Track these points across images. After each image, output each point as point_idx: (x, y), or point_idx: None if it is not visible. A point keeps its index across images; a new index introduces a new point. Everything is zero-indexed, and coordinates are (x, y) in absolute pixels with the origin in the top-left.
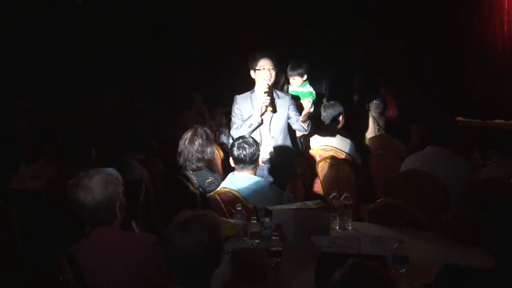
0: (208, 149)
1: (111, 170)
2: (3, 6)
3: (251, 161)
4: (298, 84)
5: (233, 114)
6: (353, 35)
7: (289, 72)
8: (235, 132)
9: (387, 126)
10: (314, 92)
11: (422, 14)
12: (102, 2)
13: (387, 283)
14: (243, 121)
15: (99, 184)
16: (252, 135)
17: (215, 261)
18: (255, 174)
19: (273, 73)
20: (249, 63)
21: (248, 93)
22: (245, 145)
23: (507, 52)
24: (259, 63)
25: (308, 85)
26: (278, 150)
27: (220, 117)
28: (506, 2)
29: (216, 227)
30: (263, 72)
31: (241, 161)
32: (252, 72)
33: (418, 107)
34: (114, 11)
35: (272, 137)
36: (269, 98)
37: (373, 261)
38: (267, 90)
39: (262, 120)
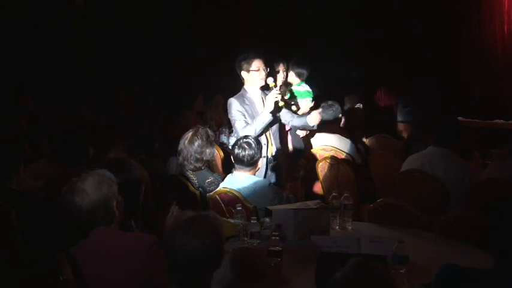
0: (208, 150)
1: (103, 171)
2: (3, 6)
3: (249, 163)
4: (296, 81)
5: (234, 116)
6: (353, 35)
7: (293, 69)
8: (245, 132)
9: (387, 126)
10: (311, 90)
11: (422, 15)
12: (102, 2)
13: (390, 283)
14: (253, 119)
15: (93, 185)
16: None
17: (216, 262)
18: (254, 175)
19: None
20: (241, 64)
21: (240, 95)
22: (246, 146)
23: (507, 52)
24: (255, 64)
25: (304, 84)
26: (279, 149)
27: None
28: (506, 2)
29: (217, 228)
30: (259, 73)
31: (239, 161)
32: (244, 73)
33: (418, 107)
34: (114, 11)
35: (273, 134)
36: (279, 92)
37: (373, 261)
38: (275, 84)
39: (273, 116)
